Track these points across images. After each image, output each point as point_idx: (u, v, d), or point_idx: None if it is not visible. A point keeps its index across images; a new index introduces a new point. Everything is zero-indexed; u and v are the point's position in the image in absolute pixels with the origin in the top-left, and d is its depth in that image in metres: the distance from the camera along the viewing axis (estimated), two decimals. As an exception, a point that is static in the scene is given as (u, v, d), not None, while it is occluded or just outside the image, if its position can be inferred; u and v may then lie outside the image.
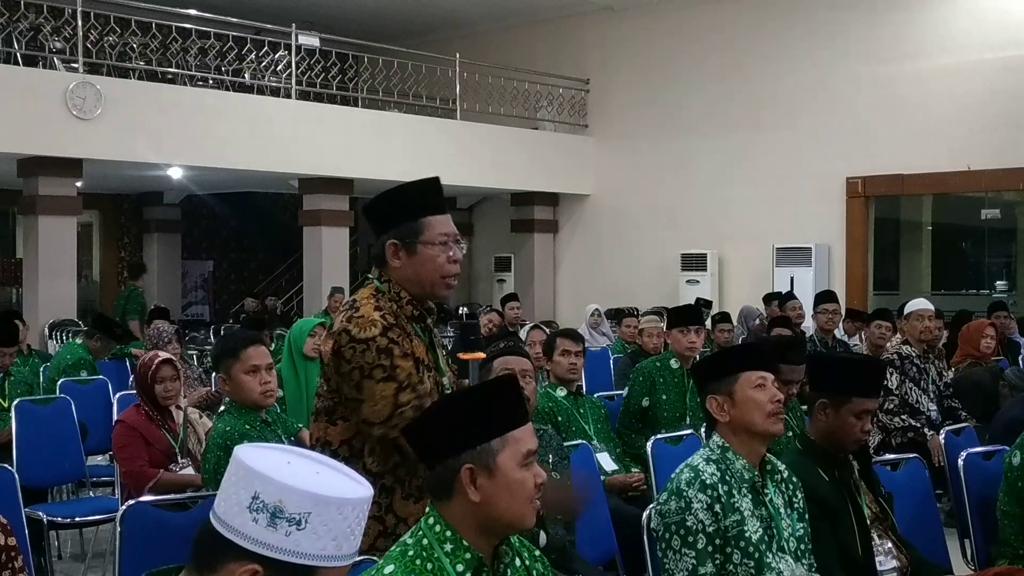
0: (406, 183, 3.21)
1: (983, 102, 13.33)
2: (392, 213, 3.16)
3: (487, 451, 2.26)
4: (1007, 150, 13.06)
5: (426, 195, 3.19)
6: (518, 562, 2.39)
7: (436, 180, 3.23)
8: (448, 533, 2.26)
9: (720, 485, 3.16)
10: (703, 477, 3.17)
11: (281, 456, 1.69)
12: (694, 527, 3.11)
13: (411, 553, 2.26)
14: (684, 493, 3.15)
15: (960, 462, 4.59)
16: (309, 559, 1.66)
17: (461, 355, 3.46)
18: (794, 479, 3.37)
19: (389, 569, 2.23)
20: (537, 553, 2.50)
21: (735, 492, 3.17)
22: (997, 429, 5.72)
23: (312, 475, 1.67)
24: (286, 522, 1.64)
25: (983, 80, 13.34)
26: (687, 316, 6.60)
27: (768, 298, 11.77)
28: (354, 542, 1.70)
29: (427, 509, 2.33)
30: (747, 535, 3.13)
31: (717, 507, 3.12)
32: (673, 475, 3.27)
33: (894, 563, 3.61)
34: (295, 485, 1.64)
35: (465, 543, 2.26)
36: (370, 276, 3.23)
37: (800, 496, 3.34)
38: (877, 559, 3.56)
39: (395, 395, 2.97)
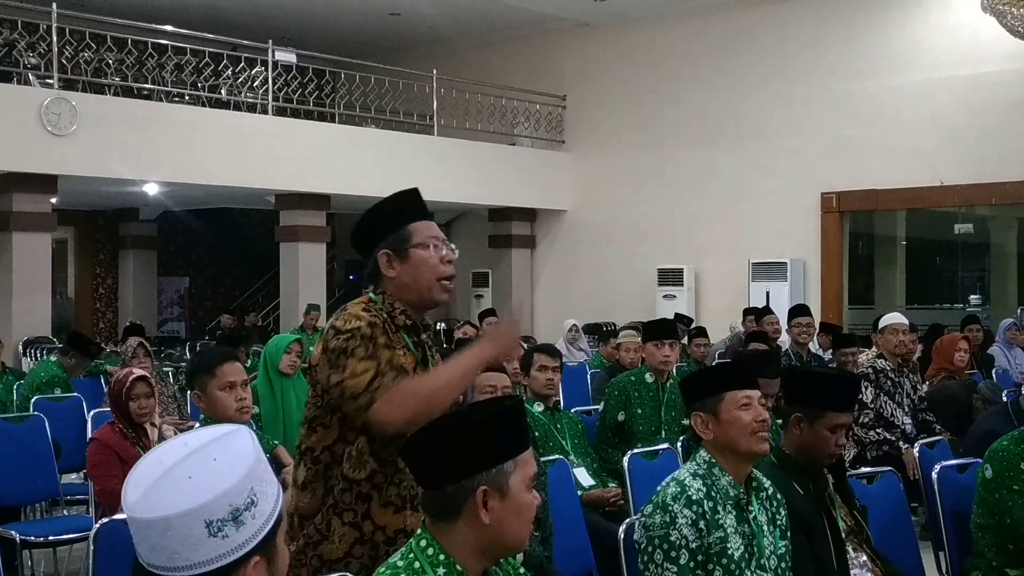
0: (386, 197, 3.23)
1: (956, 117, 13.43)
2: (378, 227, 3.18)
3: (501, 473, 2.23)
4: (980, 165, 13.17)
5: (408, 204, 3.22)
6: None
7: (415, 189, 3.25)
8: (441, 557, 2.23)
9: (706, 501, 3.16)
10: (689, 492, 3.16)
11: (179, 482, 1.66)
12: (678, 542, 3.10)
13: None
14: (669, 508, 3.14)
15: (934, 475, 4.61)
16: (275, 514, 1.72)
17: None
18: (778, 496, 3.37)
19: None
20: (521, 570, 2.49)
21: (720, 508, 3.17)
22: (971, 442, 5.76)
23: (220, 467, 1.67)
24: (246, 511, 1.66)
25: (956, 96, 13.45)
26: (660, 330, 6.63)
27: (747, 312, 11.83)
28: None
29: (418, 531, 2.31)
30: (729, 552, 3.13)
31: (702, 523, 3.12)
32: (659, 488, 3.27)
33: (869, 576, 3.62)
34: (228, 484, 1.65)
35: (458, 567, 2.24)
36: (365, 290, 3.24)
37: (784, 513, 3.34)
38: (852, 572, 3.58)
39: (375, 369, 2.96)
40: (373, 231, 3.19)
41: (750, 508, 3.24)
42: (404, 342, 3.13)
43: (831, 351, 9.29)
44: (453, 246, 3.23)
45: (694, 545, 3.11)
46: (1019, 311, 13.92)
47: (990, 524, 4.17)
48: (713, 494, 3.19)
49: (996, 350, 10.74)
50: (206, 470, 1.66)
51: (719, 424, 3.27)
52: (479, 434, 2.25)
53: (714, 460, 3.26)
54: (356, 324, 3.01)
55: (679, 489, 3.19)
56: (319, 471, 3.09)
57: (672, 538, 3.11)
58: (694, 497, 3.15)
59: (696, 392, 3.40)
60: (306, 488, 3.11)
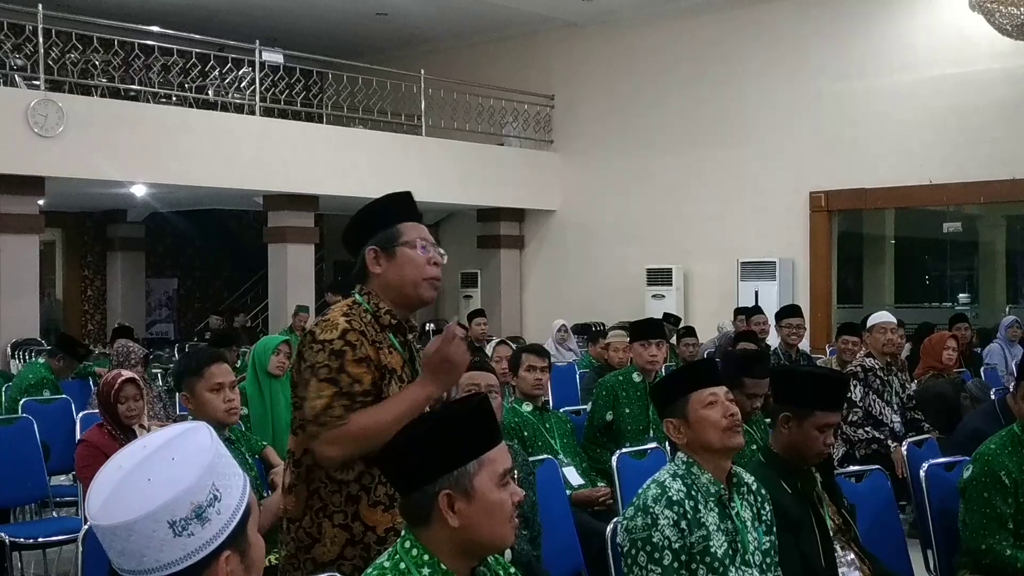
0: (379, 197, 3.25)
1: (944, 117, 13.48)
2: (368, 226, 3.19)
3: (463, 475, 2.22)
4: (968, 164, 13.21)
5: (400, 205, 3.24)
6: None
7: (408, 193, 3.27)
8: (426, 557, 2.24)
9: (687, 501, 3.17)
10: (669, 493, 3.17)
11: (138, 484, 1.65)
12: (660, 543, 3.11)
13: None
14: (651, 509, 3.15)
15: (922, 473, 4.62)
16: (242, 507, 1.71)
17: None
18: (762, 491, 3.38)
19: None
20: (512, 570, 2.49)
21: (701, 507, 3.18)
22: (958, 440, 5.77)
23: (178, 466, 1.67)
24: (209, 507, 1.66)
25: (943, 95, 13.49)
26: (647, 330, 6.64)
27: (737, 312, 11.85)
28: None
29: (403, 532, 2.31)
30: (712, 550, 3.14)
31: (683, 523, 3.13)
32: (640, 490, 3.27)
33: (857, 574, 3.63)
34: (188, 482, 1.65)
35: (443, 567, 2.24)
36: (351, 291, 3.25)
37: (768, 508, 3.35)
38: (840, 570, 3.58)
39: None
40: (363, 229, 3.21)
41: (732, 504, 3.25)
42: (391, 341, 3.14)
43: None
44: (442, 251, 3.25)
45: (677, 545, 3.11)
46: (1008, 309, 13.97)
47: (974, 523, 4.20)
48: (694, 493, 3.20)
49: (995, 347, 10.73)
50: (164, 470, 1.66)
51: (690, 426, 3.29)
52: (434, 439, 2.25)
53: (693, 460, 3.28)
54: (330, 336, 3.01)
55: (659, 490, 3.19)
56: (300, 474, 3.10)
57: (654, 539, 3.11)
58: (675, 498, 3.16)
59: (663, 399, 3.41)
60: (291, 491, 3.13)
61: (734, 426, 3.27)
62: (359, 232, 3.21)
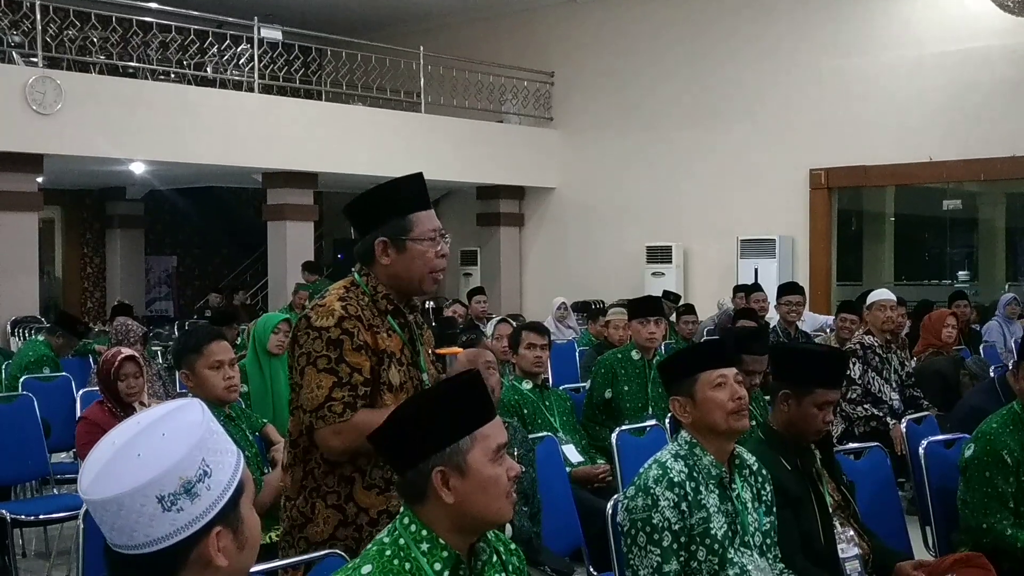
0: (390, 180, 3.21)
1: (944, 94, 13.43)
2: (378, 211, 3.17)
3: (456, 451, 2.23)
4: (968, 142, 13.18)
5: (411, 192, 3.20)
6: (495, 557, 2.39)
7: (420, 176, 3.23)
8: (424, 533, 2.25)
9: (688, 482, 3.16)
10: (671, 475, 3.16)
11: (128, 460, 1.67)
12: (660, 525, 3.11)
13: (388, 553, 2.24)
14: (652, 491, 3.14)
15: (921, 450, 4.63)
16: (234, 483, 1.72)
17: (438, 350, 3.47)
18: (763, 472, 3.37)
19: (367, 569, 2.22)
20: (512, 547, 2.49)
21: (702, 488, 3.17)
22: (958, 418, 5.79)
23: (168, 442, 1.68)
24: (199, 483, 1.67)
25: (944, 72, 13.45)
26: (645, 307, 6.65)
27: (736, 290, 11.85)
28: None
29: (402, 508, 2.31)
30: (712, 532, 3.14)
31: (684, 505, 3.12)
32: (641, 470, 3.27)
33: (856, 550, 3.64)
34: (177, 457, 1.66)
35: (442, 542, 2.24)
36: (352, 270, 3.24)
37: (769, 489, 3.35)
38: (839, 547, 3.59)
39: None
40: (372, 213, 3.18)
41: (733, 486, 3.25)
42: (390, 324, 3.15)
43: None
44: (448, 238, 3.24)
45: (677, 527, 3.11)
46: (1007, 287, 13.97)
47: (973, 501, 4.21)
48: (695, 474, 3.19)
49: (993, 324, 10.76)
50: (154, 446, 1.67)
51: (696, 406, 3.27)
52: (426, 416, 2.26)
53: (695, 440, 3.27)
54: (327, 323, 3.02)
55: (661, 471, 3.19)
56: (297, 455, 3.12)
57: (655, 521, 3.11)
58: (676, 479, 3.16)
59: (671, 376, 3.39)
60: (287, 470, 3.16)
61: (741, 409, 3.25)
62: (368, 214, 3.19)
